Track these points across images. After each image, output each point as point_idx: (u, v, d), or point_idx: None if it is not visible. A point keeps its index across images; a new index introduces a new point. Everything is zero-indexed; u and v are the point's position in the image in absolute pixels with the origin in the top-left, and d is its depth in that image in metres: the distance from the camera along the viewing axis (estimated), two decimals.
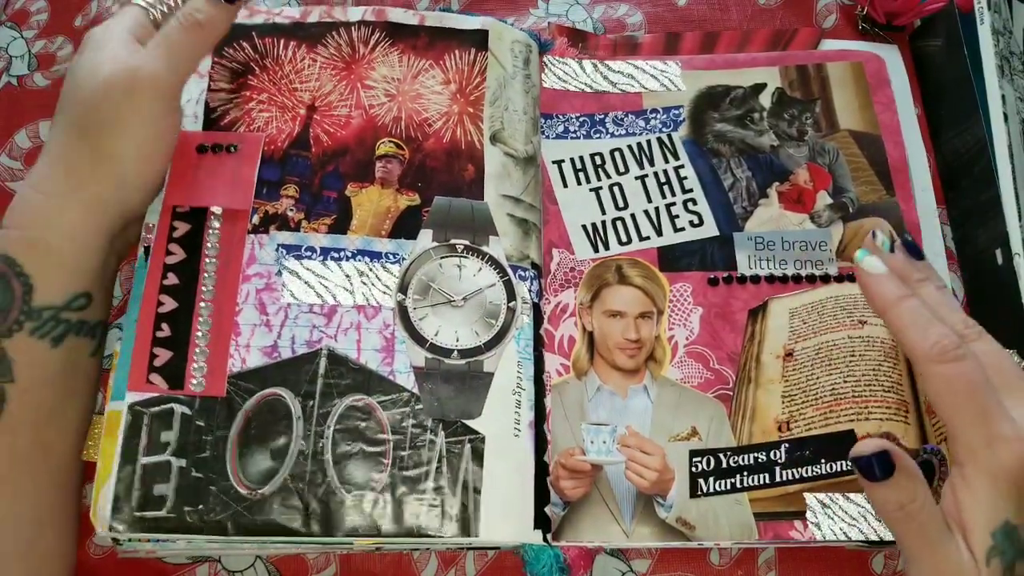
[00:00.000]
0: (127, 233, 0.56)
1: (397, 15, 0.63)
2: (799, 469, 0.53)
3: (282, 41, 0.61)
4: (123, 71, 0.51)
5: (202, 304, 0.54)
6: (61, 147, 0.52)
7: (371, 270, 0.55)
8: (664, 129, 0.63)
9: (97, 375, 0.55)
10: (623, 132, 0.63)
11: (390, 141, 0.59)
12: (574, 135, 0.63)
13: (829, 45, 0.67)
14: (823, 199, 0.61)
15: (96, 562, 0.53)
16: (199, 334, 0.53)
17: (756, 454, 0.54)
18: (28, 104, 0.66)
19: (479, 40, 0.62)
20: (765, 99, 0.64)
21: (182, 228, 0.55)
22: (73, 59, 0.54)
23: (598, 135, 0.63)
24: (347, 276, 0.55)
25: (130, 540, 0.50)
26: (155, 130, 0.52)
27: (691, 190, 0.61)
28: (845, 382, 0.55)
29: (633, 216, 0.61)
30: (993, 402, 0.43)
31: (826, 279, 0.58)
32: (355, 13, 0.63)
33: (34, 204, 0.51)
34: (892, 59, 0.66)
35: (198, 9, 0.53)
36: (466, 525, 0.49)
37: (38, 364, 0.49)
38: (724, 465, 0.54)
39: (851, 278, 0.58)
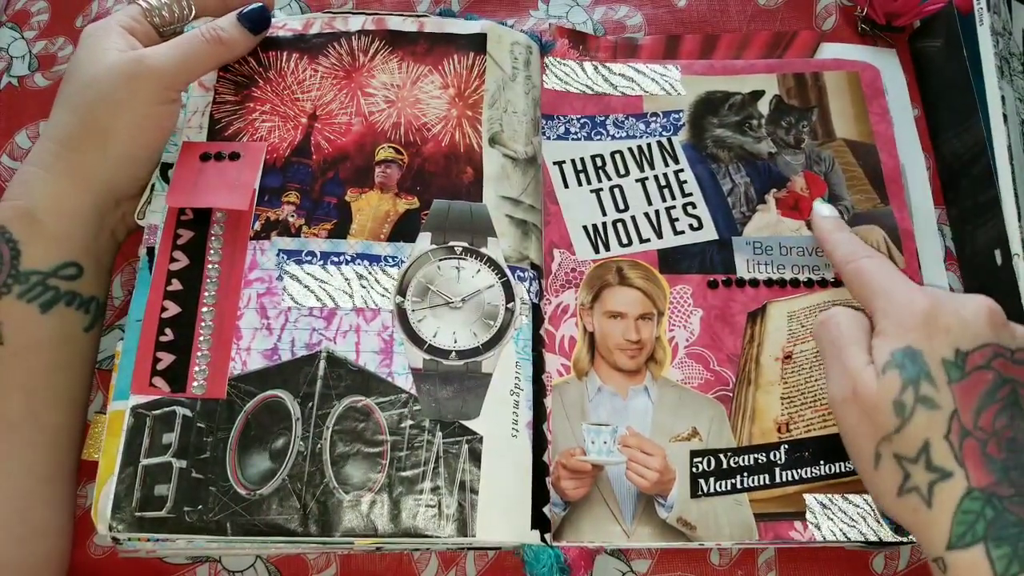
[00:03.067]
0: (120, 211, 0.57)
1: (396, 23, 0.63)
2: (799, 470, 0.54)
3: (285, 53, 0.62)
4: (129, 57, 0.54)
5: (204, 309, 0.54)
6: (57, 123, 0.55)
7: (370, 273, 0.55)
8: (664, 133, 0.63)
9: (93, 354, 0.56)
10: (623, 135, 0.63)
11: (389, 146, 0.59)
12: (575, 136, 0.63)
13: (828, 49, 0.67)
14: None
15: (97, 562, 0.54)
16: (201, 338, 0.53)
17: (756, 455, 0.54)
18: (29, 104, 0.66)
19: (478, 44, 0.63)
20: (763, 106, 0.64)
21: (186, 235, 0.56)
22: (74, 52, 0.56)
23: (599, 137, 0.63)
24: (346, 280, 0.55)
25: (130, 540, 0.50)
26: (149, 111, 0.55)
27: (691, 194, 0.61)
28: None
29: (633, 218, 0.61)
30: (900, 277, 0.49)
31: (823, 284, 0.58)
32: (355, 23, 0.63)
33: (26, 176, 0.53)
34: (890, 64, 0.66)
35: (223, 28, 0.57)
36: (463, 525, 0.50)
37: (27, 329, 0.51)
38: (724, 466, 0.54)
39: None
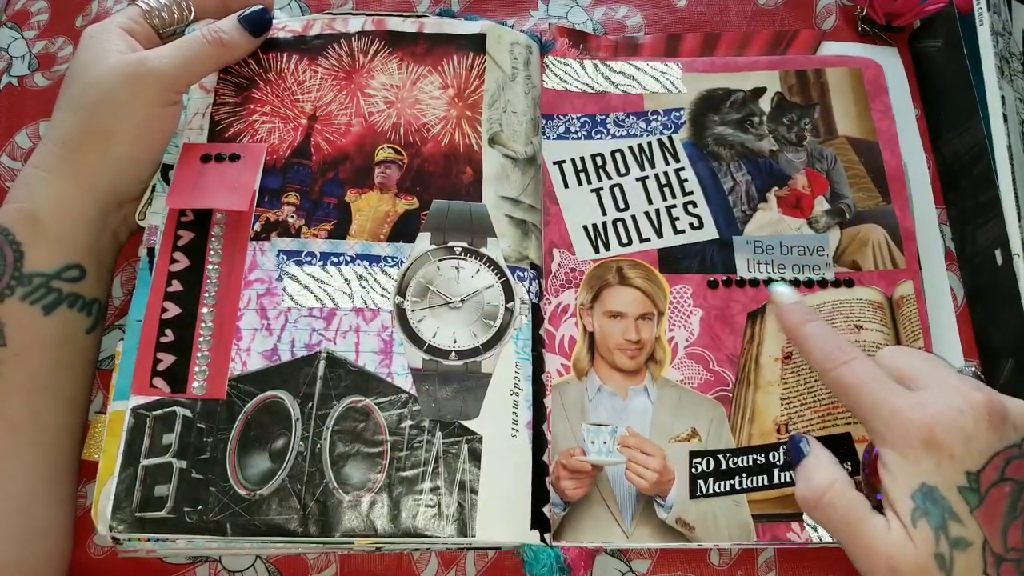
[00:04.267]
0: (122, 213, 0.58)
1: (396, 24, 0.63)
2: None
3: (285, 55, 0.62)
4: (131, 59, 0.54)
5: (205, 310, 0.54)
6: (59, 125, 0.55)
7: (370, 274, 0.55)
8: (665, 131, 0.63)
9: (94, 356, 0.57)
10: (624, 133, 0.63)
11: (389, 147, 0.59)
12: (575, 136, 0.63)
13: (829, 48, 0.67)
14: (821, 204, 0.61)
15: (96, 562, 0.54)
16: (201, 339, 0.54)
17: (755, 456, 0.54)
18: (29, 104, 0.66)
19: (477, 44, 0.63)
20: (765, 103, 0.64)
21: (186, 236, 0.56)
22: (75, 54, 0.56)
23: (599, 136, 0.63)
24: (346, 280, 0.55)
25: (130, 540, 0.50)
26: (151, 112, 0.55)
27: (691, 193, 0.61)
28: None
29: (634, 217, 0.61)
30: (881, 387, 0.47)
31: (823, 284, 0.58)
32: (355, 24, 0.63)
33: (29, 178, 0.54)
34: (891, 63, 0.66)
35: (224, 30, 0.58)
36: (463, 525, 0.50)
37: (30, 330, 0.51)
38: (724, 466, 0.54)
39: (848, 283, 0.58)
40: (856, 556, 0.46)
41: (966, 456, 0.43)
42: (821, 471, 0.48)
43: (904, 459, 0.44)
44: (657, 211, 0.61)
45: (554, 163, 0.62)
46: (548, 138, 0.63)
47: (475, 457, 0.51)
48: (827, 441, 0.54)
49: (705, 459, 0.54)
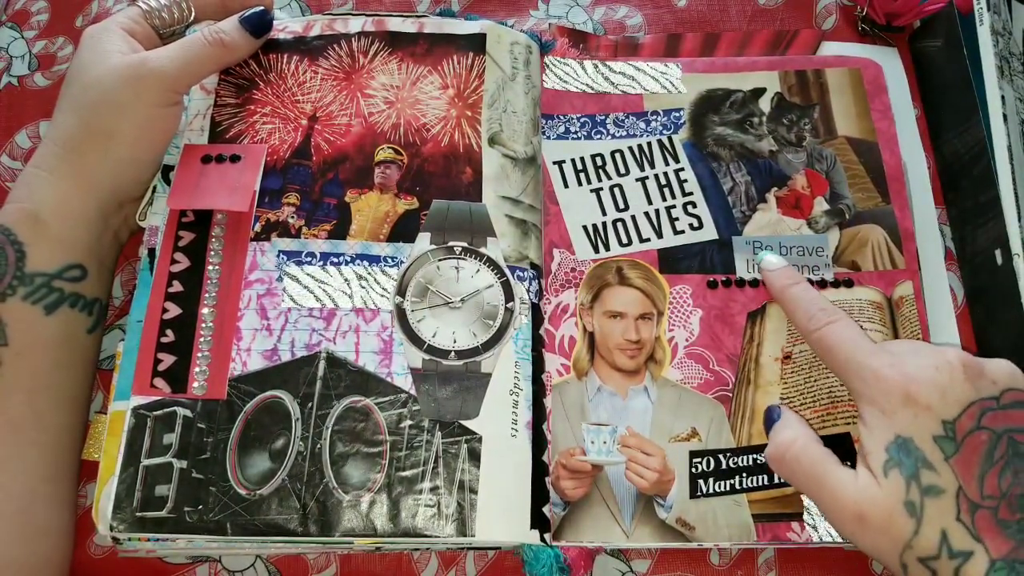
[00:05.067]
0: (123, 213, 0.58)
1: (396, 24, 0.63)
2: None
3: (285, 56, 0.62)
4: (132, 60, 0.55)
5: (205, 310, 0.54)
6: (60, 125, 0.55)
7: (370, 274, 0.55)
8: (664, 131, 0.63)
9: (95, 355, 0.57)
10: (624, 133, 0.63)
11: (388, 147, 0.59)
12: (575, 136, 0.63)
13: (829, 48, 0.67)
14: (820, 205, 0.61)
15: (96, 562, 0.54)
16: (202, 339, 0.54)
17: (755, 455, 0.54)
18: (28, 104, 0.67)
19: (477, 44, 0.63)
20: (764, 103, 0.64)
21: (187, 237, 0.56)
22: (75, 54, 0.56)
23: (599, 136, 0.63)
24: (346, 280, 0.55)
25: (130, 540, 0.50)
26: (152, 113, 0.55)
27: (691, 193, 0.61)
28: (842, 386, 0.55)
29: (633, 218, 0.61)
30: (863, 347, 0.48)
31: (823, 284, 0.58)
32: (355, 24, 0.63)
33: (30, 178, 0.54)
34: (891, 63, 0.66)
35: (226, 31, 0.58)
36: (463, 525, 0.50)
37: (31, 330, 0.51)
38: (724, 466, 0.54)
39: (847, 284, 0.58)
40: (825, 509, 0.47)
41: (942, 407, 0.44)
42: (787, 429, 0.49)
43: (881, 413, 0.45)
44: (657, 211, 0.61)
45: (554, 163, 0.62)
46: (548, 138, 0.63)
47: (475, 457, 0.51)
48: (827, 441, 0.53)
49: (705, 459, 0.54)
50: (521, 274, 0.56)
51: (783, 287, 0.55)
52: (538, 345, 0.56)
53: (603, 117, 0.64)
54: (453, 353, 0.54)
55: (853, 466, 0.46)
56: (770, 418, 0.52)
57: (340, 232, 0.57)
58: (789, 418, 0.51)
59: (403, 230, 0.57)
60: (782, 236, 0.60)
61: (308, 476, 0.50)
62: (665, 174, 0.62)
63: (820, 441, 0.48)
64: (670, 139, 0.63)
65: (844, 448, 0.53)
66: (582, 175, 0.62)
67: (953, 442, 0.43)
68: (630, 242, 0.60)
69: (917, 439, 0.44)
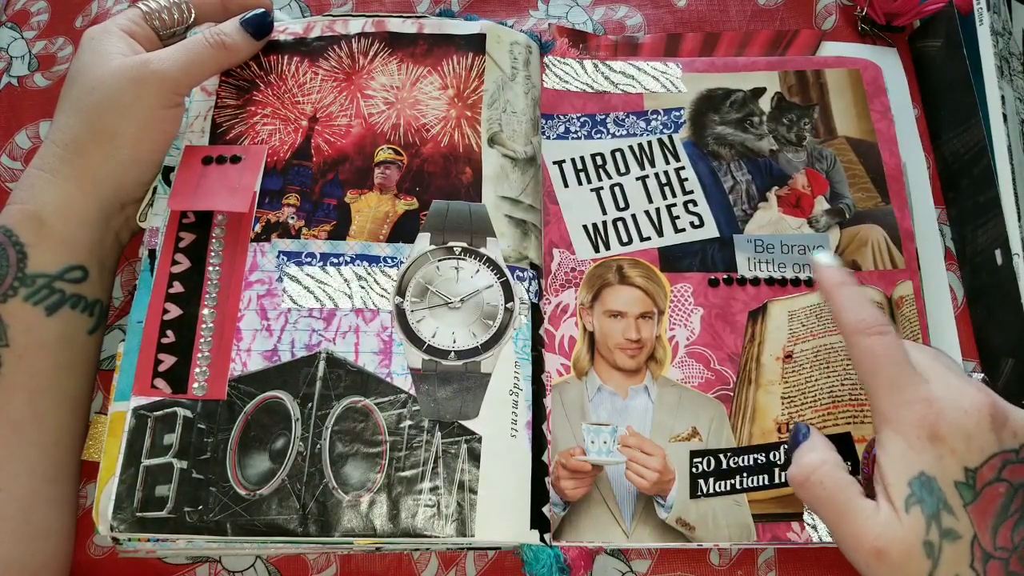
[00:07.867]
0: (124, 214, 0.58)
1: (396, 24, 0.63)
2: None
3: (285, 57, 0.62)
4: (134, 61, 0.55)
5: (205, 311, 0.55)
6: (62, 127, 0.55)
7: (369, 274, 0.55)
8: (665, 130, 0.63)
9: (96, 356, 0.57)
10: (624, 133, 0.63)
11: (388, 147, 0.59)
12: (575, 135, 0.63)
13: (829, 48, 0.67)
14: (821, 204, 0.61)
15: (96, 562, 0.54)
16: (202, 340, 0.54)
17: (756, 455, 0.54)
18: (28, 104, 0.67)
19: (477, 44, 0.63)
20: (765, 103, 0.64)
21: (188, 238, 0.56)
22: (75, 55, 0.57)
23: (599, 135, 0.63)
24: (346, 281, 0.55)
25: (130, 540, 0.50)
26: (154, 114, 0.55)
27: (692, 192, 0.61)
28: (843, 385, 0.55)
29: (634, 216, 0.61)
30: (906, 371, 0.46)
31: None
32: (355, 25, 0.63)
33: (32, 179, 0.54)
34: (891, 63, 0.66)
35: (227, 33, 0.58)
36: (462, 525, 0.50)
37: (33, 331, 0.51)
38: (724, 466, 0.54)
39: None
40: (841, 538, 0.46)
41: (966, 453, 0.43)
42: (813, 452, 0.48)
43: (907, 446, 0.44)
44: (657, 210, 0.61)
45: (554, 163, 0.62)
46: (548, 138, 0.63)
47: (474, 457, 0.51)
48: None
49: (705, 458, 0.54)
50: (521, 274, 0.56)
51: (837, 284, 0.50)
52: (538, 345, 0.56)
53: (603, 117, 0.64)
54: (453, 353, 0.54)
55: (853, 466, 0.46)
56: (796, 437, 0.50)
57: (340, 233, 0.57)
58: (816, 441, 0.49)
59: (403, 230, 0.57)
60: (783, 235, 0.60)
61: (308, 476, 0.50)
62: (665, 172, 0.62)
63: (846, 468, 0.47)
64: (670, 138, 0.63)
65: (844, 448, 0.53)
66: (582, 174, 0.62)
67: (973, 490, 0.43)
68: (631, 241, 0.60)
69: (940, 480, 0.43)
